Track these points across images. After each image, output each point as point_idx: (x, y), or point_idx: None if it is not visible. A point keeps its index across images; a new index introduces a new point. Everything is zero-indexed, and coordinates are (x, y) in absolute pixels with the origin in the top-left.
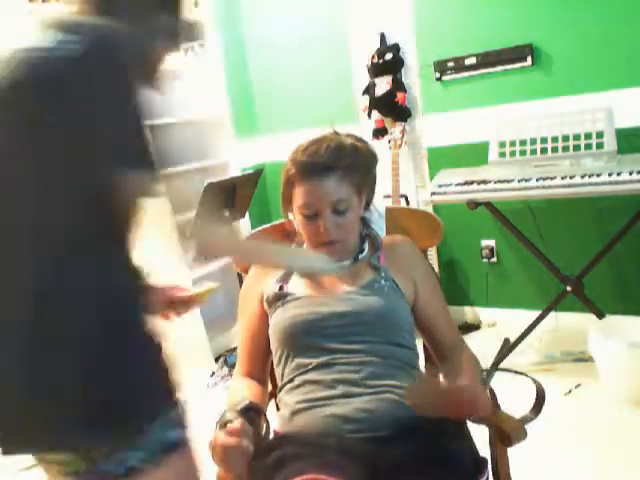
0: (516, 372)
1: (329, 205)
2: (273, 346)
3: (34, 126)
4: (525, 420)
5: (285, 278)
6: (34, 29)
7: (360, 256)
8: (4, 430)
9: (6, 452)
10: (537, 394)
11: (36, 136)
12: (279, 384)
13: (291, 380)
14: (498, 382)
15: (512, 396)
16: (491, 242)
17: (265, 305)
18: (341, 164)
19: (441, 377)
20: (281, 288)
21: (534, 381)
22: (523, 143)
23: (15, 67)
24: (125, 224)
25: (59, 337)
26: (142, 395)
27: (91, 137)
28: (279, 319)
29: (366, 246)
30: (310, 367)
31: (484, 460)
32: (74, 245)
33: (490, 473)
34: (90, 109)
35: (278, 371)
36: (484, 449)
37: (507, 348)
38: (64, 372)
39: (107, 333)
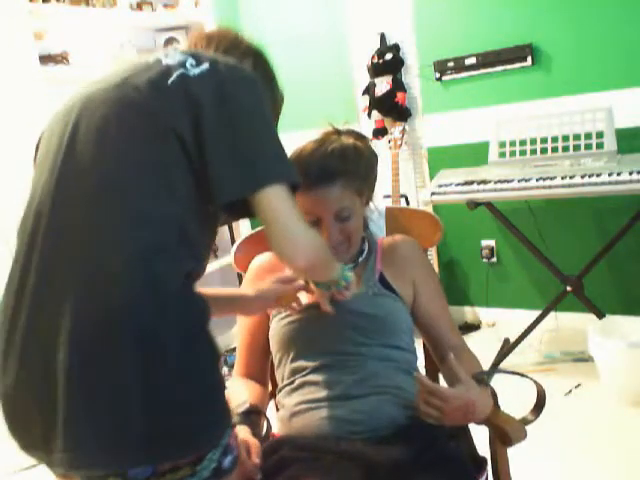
0: (518, 374)
1: (332, 213)
2: (273, 349)
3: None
4: (525, 421)
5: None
6: (174, 53)
7: (360, 258)
8: (49, 442)
9: (48, 462)
10: (538, 396)
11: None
12: (279, 385)
13: (291, 382)
14: (498, 382)
15: (512, 396)
16: (491, 242)
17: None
18: (344, 171)
19: (441, 378)
20: None
21: (535, 383)
22: (523, 143)
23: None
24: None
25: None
26: (209, 420)
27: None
28: (280, 324)
29: (366, 246)
30: (309, 370)
31: (483, 459)
32: (169, 245)
33: (490, 473)
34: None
35: (278, 374)
36: (484, 449)
37: (507, 348)
38: (132, 383)
39: (182, 345)
